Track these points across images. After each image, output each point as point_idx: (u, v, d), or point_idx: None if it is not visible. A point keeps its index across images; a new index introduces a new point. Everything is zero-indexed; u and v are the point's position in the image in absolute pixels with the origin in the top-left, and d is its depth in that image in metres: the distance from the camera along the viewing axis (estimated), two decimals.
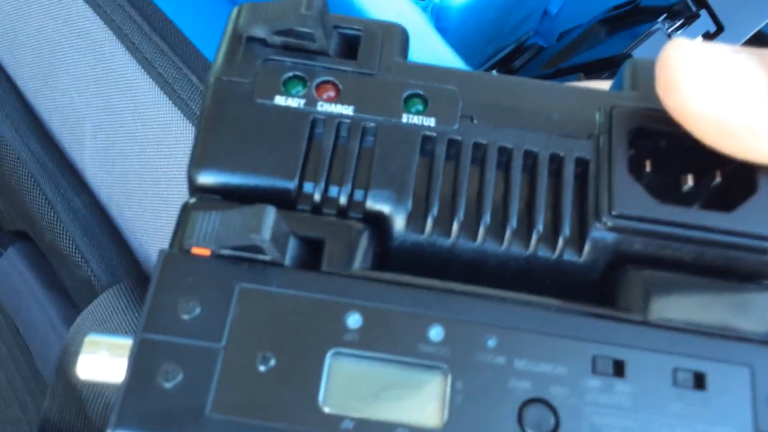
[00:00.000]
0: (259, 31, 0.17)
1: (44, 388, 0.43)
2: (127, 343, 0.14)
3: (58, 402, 0.35)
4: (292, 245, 0.15)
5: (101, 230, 0.34)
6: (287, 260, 0.15)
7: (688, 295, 0.15)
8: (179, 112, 0.28)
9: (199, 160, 0.16)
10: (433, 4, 0.43)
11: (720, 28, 0.31)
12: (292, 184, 0.16)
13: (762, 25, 0.31)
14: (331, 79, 0.16)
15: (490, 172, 0.16)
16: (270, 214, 0.14)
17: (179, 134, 0.29)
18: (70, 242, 0.34)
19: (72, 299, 0.39)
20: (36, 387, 0.50)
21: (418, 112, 0.16)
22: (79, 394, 0.34)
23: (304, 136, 0.16)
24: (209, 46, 0.53)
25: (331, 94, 0.16)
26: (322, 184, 0.16)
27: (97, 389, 0.33)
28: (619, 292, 0.15)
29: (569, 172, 0.16)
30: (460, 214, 0.16)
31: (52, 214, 0.35)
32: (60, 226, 0.34)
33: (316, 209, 0.16)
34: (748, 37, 0.31)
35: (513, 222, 0.16)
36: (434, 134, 0.16)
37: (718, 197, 0.16)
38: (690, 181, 0.16)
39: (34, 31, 0.34)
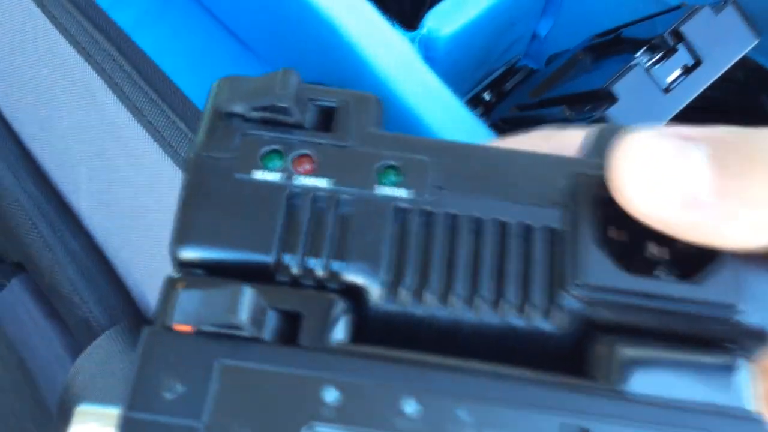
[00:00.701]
0: (238, 108, 0.17)
1: (49, 418, 0.44)
2: (115, 412, 0.15)
3: None
4: (271, 318, 0.15)
5: (98, 271, 0.34)
6: (266, 334, 0.15)
7: (655, 364, 0.15)
8: (169, 158, 0.29)
9: (180, 236, 0.16)
10: (421, 35, 0.44)
11: (698, 62, 0.31)
12: (270, 258, 0.16)
13: (739, 57, 0.31)
14: (307, 152, 0.17)
15: (461, 242, 0.17)
16: (246, 295, 0.15)
17: (169, 180, 0.29)
18: (69, 283, 0.35)
19: (73, 335, 0.40)
20: (41, 417, 0.50)
21: (391, 183, 0.17)
22: None
23: (282, 210, 0.17)
24: (195, 79, 0.53)
25: (308, 166, 0.17)
26: (299, 257, 0.16)
27: None
28: (589, 361, 0.16)
29: (538, 241, 0.17)
30: (433, 284, 0.16)
31: (50, 255, 0.35)
32: (58, 267, 0.35)
33: (295, 281, 0.16)
34: (726, 68, 0.31)
35: (484, 291, 0.16)
36: (407, 205, 0.17)
37: (681, 261, 0.16)
38: (654, 248, 0.17)
39: (28, 77, 0.35)
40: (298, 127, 0.17)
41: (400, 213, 0.17)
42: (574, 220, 0.16)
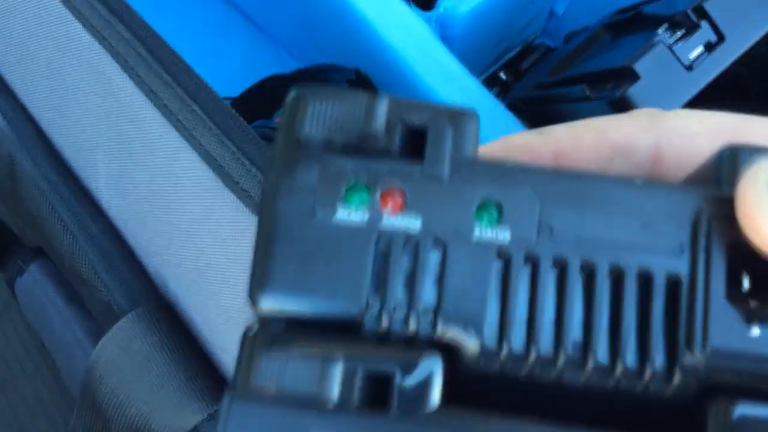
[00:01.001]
0: (318, 136, 0.16)
1: (71, 401, 0.44)
2: None
3: (84, 422, 0.36)
4: (359, 379, 0.14)
5: (118, 255, 0.35)
6: (355, 399, 0.14)
7: None
8: (185, 141, 0.29)
9: (259, 283, 0.15)
10: (437, 14, 0.43)
11: (721, 38, 0.31)
12: (357, 310, 0.15)
13: (763, 33, 0.31)
14: (396, 185, 0.15)
15: (572, 293, 0.15)
16: (335, 368, 0.14)
17: (186, 163, 0.29)
18: (89, 267, 0.35)
19: (94, 318, 0.40)
20: (63, 401, 0.51)
21: (491, 223, 0.15)
22: (104, 415, 0.35)
23: (369, 256, 0.15)
24: (210, 62, 0.53)
25: (398, 201, 0.15)
26: (390, 309, 0.15)
27: (122, 410, 0.34)
28: (708, 426, 0.14)
29: (660, 292, 0.15)
30: (541, 343, 0.15)
31: (71, 239, 0.36)
32: (79, 252, 0.35)
33: (384, 334, 0.15)
34: (750, 44, 0.31)
35: (597, 355, 0.14)
36: (510, 249, 0.15)
37: None
38: None
39: (44, 63, 0.35)
40: (385, 154, 0.16)
41: (502, 258, 0.15)
42: (705, 268, 0.14)
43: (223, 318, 0.30)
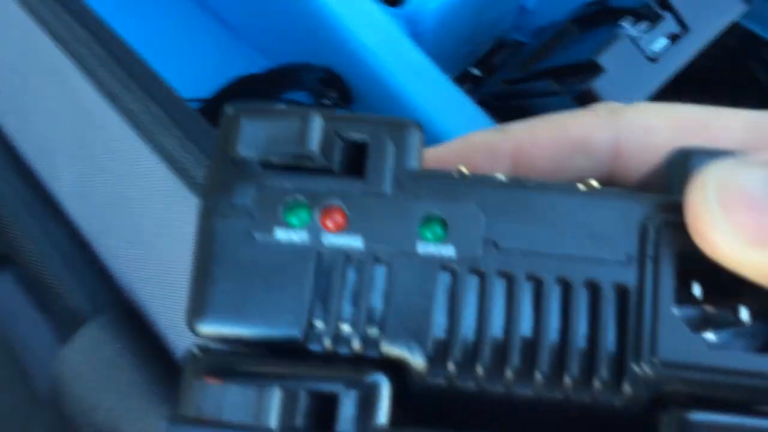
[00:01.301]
0: (253, 154, 0.15)
1: (44, 409, 0.43)
2: None
3: (52, 430, 0.36)
4: (303, 400, 0.14)
5: (82, 261, 0.34)
6: (299, 421, 0.14)
7: None
8: (145, 144, 0.29)
9: (197, 309, 0.15)
10: (405, 10, 0.43)
11: (685, 29, 0.31)
12: (299, 332, 0.15)
13: (727, 24, 0.31)
14: (337, 203, 0.15)
15: (518, 307, 0.15)
16: (274, 398, 0.14)
17: (148, 166, 0.29)
18: (53, 273, 0.35)
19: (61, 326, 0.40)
20: (37, 409, 0.50)
21: (435, 239, 0.15)
22: (72, 422, 0.34)
23: (310, 276, 0.15)
24: (178, 61, 0.52)
25: (338, 219, 0.15)
26: (333, 328, 0.15)
27: (89, 417, 0.33)
28: None
29: (607, 303, 0.14)
30: (486, 356, 0.14)
31: (34, 246, 0.35)
32: (42, 258, 0.35)
33: (329, 353, 0.15)
34: (713, 36, 0.31)
35: (544, 367, 0.14)
36: (455, 266, 0.15)
37: None
38: (743, 311, 0.15)
39: (4, 65, 0.34)
40: (324, 171, 0.15)
41: (447, 274, 0.15)
42: (653, 278, 0.14)
43: None
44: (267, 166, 0.15)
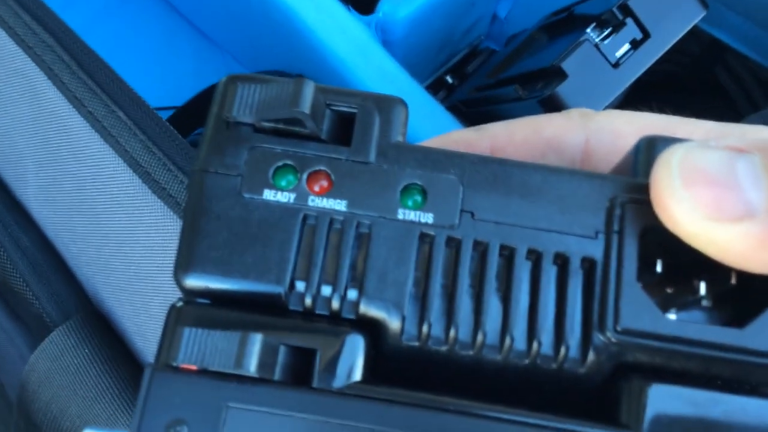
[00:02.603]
0: (247, 118, 0.16)
1: (18, 416, 0.43)
2: None
3: None
4: (281, 353, 0.14)
5: (49, 267, 0.34)
6: (276, 373, 0.14)
7: (693, 413, 0.14)
8: (110, 148, 0.29)
9: (185, 262, 0.15)
10: (377, 18, 0.43)
11: (646, 36, 0.31)
12: (282, 288, 0.15)
13: (687, 29, 0.31)
14: (323, 168, 0.16)
15: (491, 275, 0.15)
16: (255, 343, 0.14)
17: (113, 170, 0.29)
18: (21, 279, 0.34)
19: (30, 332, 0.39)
20: (10, 418, 0.50)
21: (415, 206, 0.16)
22: (39, 429, 0.34)
23: (295, 235, 0.15)
24: (156, 70, 0.52)
25: (324, 184, 0.16)
26: (314, 287, 0.15)
27: (56, 424, 0.33)
28: (620, 405, 0.15)
29: (575, 274, 0.15)
30: (458, 322, 0.15)
31: (2, 252, 0.35)
32: (10, 264, 0.35)
33: (308, 311, 0.15)
34: (674, 41, 0.31)
35: (513, 332, 0.15)
36: (432, 232, 0.15)
37: (732, 301, 0.15)
38: (702, 287, 0.15)
39: None
40: (313, 138, 0.16)
41: (425, 240, 0.15)
42: (617, 252, 0.15)
43: (154, 327, 0.30)
44: (259, 130, 0.16)
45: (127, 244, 0.29)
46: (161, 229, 0.28)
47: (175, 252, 0.16)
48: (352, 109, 0.16)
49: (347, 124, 0.16)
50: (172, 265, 0.28)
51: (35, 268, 0.34)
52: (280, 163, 0.16)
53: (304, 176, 0.16)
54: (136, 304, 0.30)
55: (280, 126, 0.16)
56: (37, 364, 0.33)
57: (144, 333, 0.30)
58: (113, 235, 0.30)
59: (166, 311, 0.15)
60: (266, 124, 0.16)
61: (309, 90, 0.15)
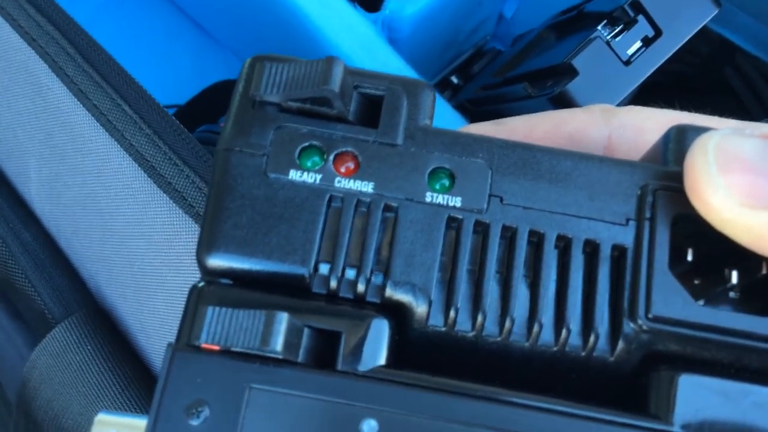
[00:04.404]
0: (274, 97, 0.16)
1: (18, 414, 0.43)
2: (138, 423, 0.14)
3: None
4: (306, 336, 0.14)
5: (52, 262, 0.33)
6: (301, 355, 0.14)
7: (722, 404, 0.14)
8: (115, 142, 0.28)
9: (208, 241, 0.15)
10: (383, 15, 0.43)
11: (658, 33, 0.31)
12: (306, 270, 0.15)
13: (699, 27, 0.31)
14: (350, 149, 0.15)
15: (519, 260, 0.15)
16: (281, 322, 0.14)
17: (117, 165, 0.29)
18: (22, 275, 0.34)
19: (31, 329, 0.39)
20: (9, 418, 0.49)
21: (443, 190, 0.15)
22: (40, 428, 0.34)
23: (320, 217, 0.15)
24: (157, 65, 0.52)
25: (350, 165, 0.15)
26: (339, 269, 0.15)
27: (57, 422, 0.33)
28: (649, 395, 0.14)
29: (605, 261, 0.15)
30: (485, 307, 0.15)
31: (3, 248, 0.34)
32: (11, 259, 0.34)
33: (333, 294, 0.15)
34: (686, 39, 0.31)
35: (542, 319, 0.15)
36: (460, 216, 0.15)
37: (760, 292, 0.15)
38: (734, 276, 0.15)
39: None
40: (340, 119, 0.16)
41: (453, 224, 0.15)
42: (649, 239, 0.15)
43: (158, 324, 0.29)
44: (285, 110, 0.16)
45: (131, 240, 0.29)
46: (166, 224, 0.28)
47: (198, 233, 0.16)
48: (380, 92, 0.16)
49: (374, 107, 0.16)
50: (176, 260, 0.28)
51: (37, 263, 0.33)
52: (306, 144, 0.15)
53: (331, 157, 0.15)
54: (140, 300, 0.30)
55: (307, 106, 0.16)
56: (38, 361, 0.33)
57: (147, 330, 0.30)
58: (117, 231, 0.29)
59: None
60: (293, 104, 0.16)
61: (339, 69, 0.15)
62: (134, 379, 0.31)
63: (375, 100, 0.16)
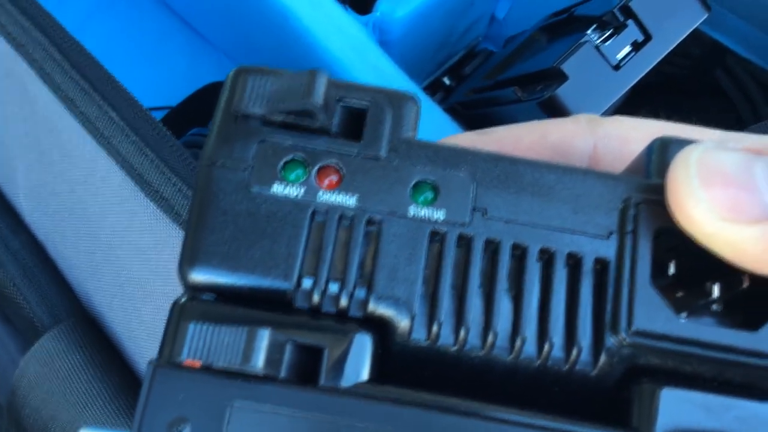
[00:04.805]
0: (257, 110, 0.16)
1: (8, 421, 0.42)
2: None
3: None
4: (288, 351, 0.14)
5: (40, 270, 0.33)
6: (283, 371, 0.14)
7: (705, 418, 0.14)
8: (103, 150, 0.28)
9: (191, 256, 0.15)
10: (374, 18, 0.43)
11: (648, 38, 0.31)
12: (289, 284, 0.15)
13: (688, 31, 0.31)
14: (333, 162, 0.15)
15: (503, 274, 0.15)
16: (262, 338, 0.14)
17: (105, 172, 0.28)
18: (11, 283, 0.34)
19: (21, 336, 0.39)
20: (0, 422, 0.49)
21: (426, 203, 0.15)
22: None
23: (303, 231, 0.15)
24: (150, 69, 0.52)
25: (334, 179, 0.15)
26: (322, 284, 0.15)
27: (46, 430, 0.32)
28: (632, 408, 0.14)
29: (587, 275, 0.15)
30: (468, 321, 0.15)
31: None
32: (0, 266, 0.34)
33: (315, 308, 0.15)
34: (676, 43, 0.31)
35: (525, 332, 0.15)
36: (444, 229, 0.15)
37: (742, 305, 0.15)
38: (715, 290, 0.15)
39: None
40: (323, 132, 0.16)
41: (436, 238, 0.15)
42: (631, 252, 0.15)
43: (145, 332, 0.29)
44: (268, 123, 0.16)
45: (118, 247, 0.29)
46: (154, 232, 0.28)
47: (180, 247, 0.15)
48: (364, 104, 0.16)
49: (358, 120, 0.16)
50: (164, 268, 0.27)
51: (25, 271, 0.33)
52: (289, 157, 0.15)
53: (314, 170, 0.15)
54: (128, 308, 0.29)
55: (290, 119, 0.16)
56: (27, 368, 0.33)
57: (135, 338, 0.30)
58: (105, 238, 0.29)
59: (167, 310, 0.15)
60: (276, 117, 0.16)
61: (322, 82, 0.15)
62: (123, 387, 0.30)
63: (359, 113, 0.16)
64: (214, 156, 0.15)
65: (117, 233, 0.29)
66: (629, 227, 0.15)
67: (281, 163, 0.15)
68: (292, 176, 0.15)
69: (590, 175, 0.16)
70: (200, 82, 0.53)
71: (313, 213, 0.15)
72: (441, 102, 0.49)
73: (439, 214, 0.15)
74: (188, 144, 0.43)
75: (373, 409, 0.14)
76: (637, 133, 0.18)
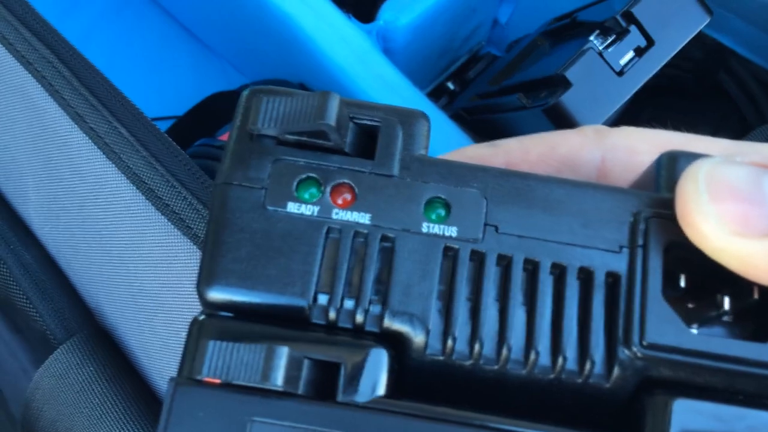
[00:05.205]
0: (271, 131, 0.16)
1: None
2: None
3: None
4: (305, 367, 0.14)
5: (52, 283, 0.34)
6: (301, 387, 0.14)
7: (717, 429, 0.14)
8: (112, 165, 0.28)
9: (208, 275, 0.15)
10: (378, 26, 0.43)
11: (650, 43, 0.31)
12: (305, 302, 0.15)
13: (691, 36, 0.31)
14: (346, 181, 0.16)
15: (515, 289, 0.15)
16: (281, 356, 0.14)
17: (115, 187, 0.29)
18: (23, 296, 0.34)
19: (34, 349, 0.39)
20: (12, 430, 0.50)
21: (439, 220, 0.16)
22: None
23: (319, 248, 0.15)
24: (154, 79, 0.52)
25: (347, 197, 0.16)
26: (338, 300, 0.15)
27: None
28: (645, 419, 0.15)
29: (600, 289, 0.15)
30: (482, 336, 0.15)
31: (4, 269, 0.35)
32: (12, 281, 0.34)
33: (331, 325, 0.15)
34: (678, 48, 0.31)
35: (539, 346, 0.15)
36: (456, 246, 0.15)
37: (752, 316, 0.15)
38: (726, 302, 0.15)
39: None
40: (336, 151, 0.16)
41: (450, 254, 0.15)
42: (642, 266, 0.15)
43: (158, 344, 0.29)
44: (282, 143, 0.16)
45: (130, 261, 0.29)
46: (165, 245, 0.28)
47: (198, 267, 0.16)
48: (375, 123, 0.16)
49: (370, 138, 0.16)
50: (175, 281, 0.28)
51: (38, 284, 0.33)
52: (303, 176, 0.16)
53: (328, 189, 0.16)
54: (140, 320, 0.30)
55: (304, 139, 0.16)
56: (41, 382, 0.33)
57: (148, 350, 0.30)
58: (116, 252, 0.30)
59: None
60: (290, 137, 0.16)
61: (334, 103, 0.15)
62: (137, 398, 0.31)
63: (371, 131, 0.16)
64: (229, 176, 0.16)
65: (128, 247, 0.29)
66: (640, 241, 0.15)
67: (296, 182, 0.16)
68: (307, 195, 0.16)
69: (600, 189, 0.16)
70: (205, 92, 0.53)
71: (328, 230, 0.15)
72: (445, 107, 0.50)
73: (451, 231, 0.15)
74: (195, 155, 0.43)
75: (390, 424, 0.14)
76: (645, 144, 0.19)
